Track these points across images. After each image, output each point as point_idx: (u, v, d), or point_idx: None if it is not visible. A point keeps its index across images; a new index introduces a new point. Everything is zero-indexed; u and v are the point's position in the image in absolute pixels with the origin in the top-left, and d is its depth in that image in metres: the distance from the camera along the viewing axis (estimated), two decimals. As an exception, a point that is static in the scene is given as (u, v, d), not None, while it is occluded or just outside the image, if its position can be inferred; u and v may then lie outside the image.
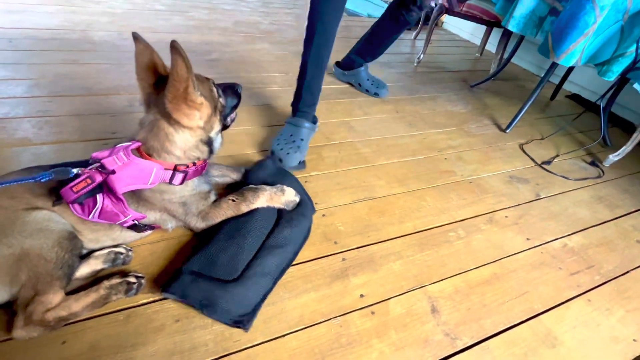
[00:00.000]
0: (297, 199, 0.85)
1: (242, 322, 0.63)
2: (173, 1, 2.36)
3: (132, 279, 0.65)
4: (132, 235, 0.73)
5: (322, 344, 0.64)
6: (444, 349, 0.67)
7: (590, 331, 0.75)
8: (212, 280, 0.66)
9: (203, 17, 2.17)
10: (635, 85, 1.17)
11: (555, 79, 1.94)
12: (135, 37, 0.65)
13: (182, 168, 0.69)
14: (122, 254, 0.70)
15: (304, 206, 0.85)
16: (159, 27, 1.92)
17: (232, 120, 0.79)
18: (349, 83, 1.63)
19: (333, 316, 0.69)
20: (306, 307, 0.70)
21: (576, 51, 1.10)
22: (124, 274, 0.67)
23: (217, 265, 0.68)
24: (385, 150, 1.23)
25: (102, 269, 0.69)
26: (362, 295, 0.74)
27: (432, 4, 1.52)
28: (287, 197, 0.84)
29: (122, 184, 0.63)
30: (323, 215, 0.93)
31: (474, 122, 1.52)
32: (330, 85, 1.61)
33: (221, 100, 0.77)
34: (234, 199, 0.80)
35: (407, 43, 2.41)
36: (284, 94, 1.46)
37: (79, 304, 0.60)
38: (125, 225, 0.69)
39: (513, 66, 2.28)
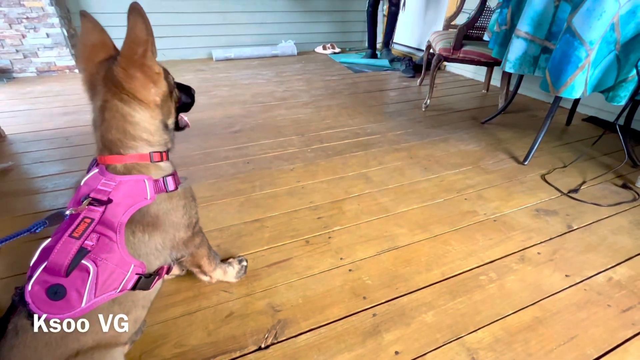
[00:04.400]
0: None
1: None
2: (197, 84, 2.68)
3: None
4: (142, 307, 0.64)
5: (361, 410, 0.63)
6: (492, 408, 0.63)
7: (657, 377, 0.68)
8: None
9: (224, 94, 2.43)
10: (648, 106, 1.17)
11: (567, 104, 1.95)
12: (83, 14, 0.59)
13: (157, 156, 0.62)
14: None
15: None
16: (187, 108, 2.17)
17: (185, 125, 0.74)
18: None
19: (370, 378, 0.68)
20: (341, 370, 0.70)
21: (576, 83, 1.14)
22: None
23: None
24: (403, 197, 1.26)
25: None
26: (397, 353, 0.73)
27: None
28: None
29: (123, 208, 0.56)
30: (350, 270, 0.95)
31: (490, 158, 1.54)
32: (344, 140, 1.71)
33: (176, 90, 0.68)
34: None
35: (414, 90, 2.55)
36: (301, 154, 1.57)
37: None
38: (130, 284, 0.58)
39: (521, 97, 2.33)
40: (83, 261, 0.52)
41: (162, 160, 0.64)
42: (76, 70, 2.94)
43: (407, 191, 1.30)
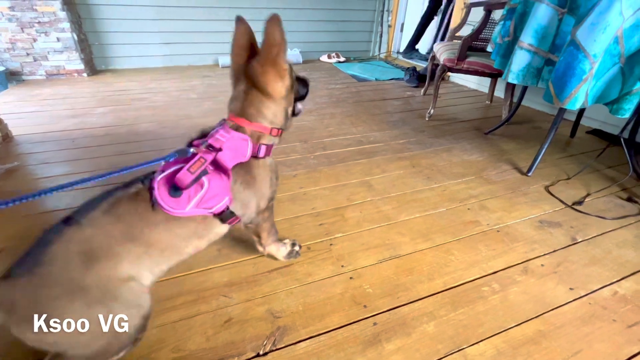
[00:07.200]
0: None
1: None
2: (204, 89, 2.72)
3: None
4: (215, 234, 0.75)
5: (360, 421, 0.62)
6: (494, 423, 0.62)
7: (664, 395, 0.67)
8: None
9: (230, 100, 2.45)
10: (653, 119, 1.16)
11: (571, 116, 1.95)
12: (239, 18, 0.72)
13: (275, 131, 0.76)
14: None
15: None
16: (192, 112, 2.20)
17: (300, 112, 0.85)
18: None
19: (369, 388, 0.67)
20: (340, 379, 0.69)
21: (579, 95, 1.14)
22: None
23: None
24: (406, 206, 1.25)
25: None
26: (397, 363, 0.72)
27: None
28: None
29: (228, 158, 0.69)
30: (350, 278, 0.94)
31: (493, 168, 1.54)
32: (347, 147, 1.72)
33: (296, 83, 0.80)
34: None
35: (417, 99, 2.56)
36: (304, 161, 1.57)
37: None
38: (218, 211, 0.70)
39: (525, 109, 2.33)
40: (203, 178, 0.66)
41: (277, 135, 0.78)
42: (84, 74, 2.99)
43: (409, 200, 1.29)
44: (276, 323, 0.80)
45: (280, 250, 0.98)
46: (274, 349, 0.75)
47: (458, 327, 0.80)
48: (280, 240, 0.99)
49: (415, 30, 3.36)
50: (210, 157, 0.67)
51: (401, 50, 3.76)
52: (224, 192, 0.70)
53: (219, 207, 0.70)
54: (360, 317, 0.82)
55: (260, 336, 0.77)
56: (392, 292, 0.89)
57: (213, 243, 0.88)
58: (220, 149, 0.69)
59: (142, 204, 0.64)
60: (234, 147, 0.70)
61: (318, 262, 0.99)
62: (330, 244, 1.06)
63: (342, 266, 0.97)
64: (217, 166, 0.69)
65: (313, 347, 0.75)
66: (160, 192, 0.64)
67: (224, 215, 0.73)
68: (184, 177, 0.64)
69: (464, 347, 0.75)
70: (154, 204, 0.64)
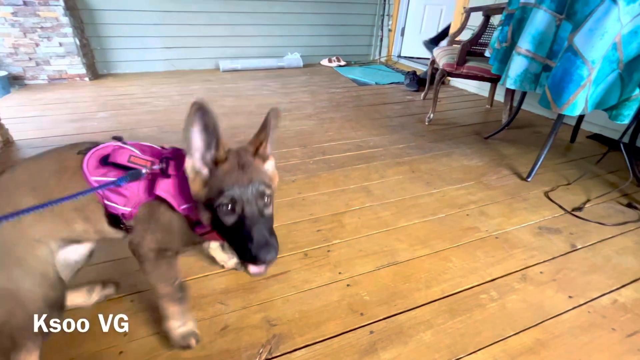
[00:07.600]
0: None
1: None
2: (205, 93, 2.72)
3: None
4: (100, 230, 0.69)
5: None
6: None
7: (664, 407, 0.66)
8: None
9: (230, 104, 2.46)
10: (652, 125, 1.16)
11: (571, 121, 1.95)
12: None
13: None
14: None
15: None
16: (193, 117, 2.20)
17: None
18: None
19: (365, 398, 0.66)
20: (336, 389, 0.68)
21: (578, 101, 1.14)
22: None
23: None
24: (405, 212, 1.25)
25: None
26: (393, 373, 0.71)
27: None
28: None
29: (164, 187, 0.64)
30: (347, 285, 0.93)
31: (493, 173, 1.53)
32: (347, 152, 1.71)
33: (220, 208, 0.59)
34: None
35: (418, 104, 2.56)
36: (303, 166, 1.57)
37: None
38: (116, 211, 0.65)
39: (526, 113, 2.32)
40: (140, 172, 0.63)
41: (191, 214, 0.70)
42: (86, 79, 3.01)
43: (408, 205, 1.29)
44: (272, 331, 0.80)
45: (173, 323, 0.74)
46: (270, 357, 0.74)
47: (455, 335, 0.79)
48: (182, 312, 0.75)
49: (445, 27, 3.11)
50: (155, 169, 0.65)
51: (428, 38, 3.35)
52: (131, 202, 0.65)
53: (113, 207, 0.65)
54: (357, 326, 0.82)
55: (256, 344, 0.77)
56: (389, 300, 0.89)
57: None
58: (168, 176, 0.64)
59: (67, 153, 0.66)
60: (177, 187, 0.65)
61: (315, 269, 0.98)
62: (328, 251, 1.05)
63: (340, 273, 0.97)
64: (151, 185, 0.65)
65: (309, 356, 0.74)
66: (91, 156, 0.65)
67: (117, 223, 0.68)
68: (120, 156, 0.64)
69: (461, 356, 0.75)
70: (80, 151, 0.65)
